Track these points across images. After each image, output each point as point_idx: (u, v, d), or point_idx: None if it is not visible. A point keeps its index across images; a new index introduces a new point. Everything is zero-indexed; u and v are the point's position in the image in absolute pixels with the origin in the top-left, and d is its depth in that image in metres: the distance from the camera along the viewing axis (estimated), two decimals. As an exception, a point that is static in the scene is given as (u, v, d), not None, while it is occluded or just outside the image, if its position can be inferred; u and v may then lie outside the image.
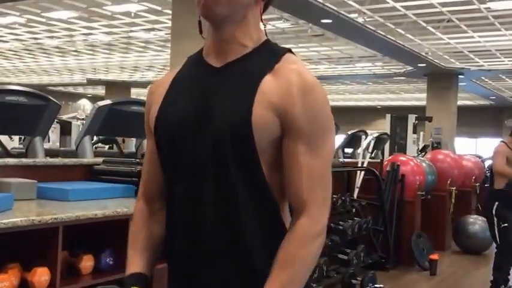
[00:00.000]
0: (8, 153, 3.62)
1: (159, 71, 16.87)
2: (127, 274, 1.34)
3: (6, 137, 5.76)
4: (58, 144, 8.30)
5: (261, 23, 1.30)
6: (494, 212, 5.41)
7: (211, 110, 1.21)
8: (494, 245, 6.11)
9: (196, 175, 1.22)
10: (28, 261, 2.39)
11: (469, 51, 12.24)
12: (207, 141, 1.20)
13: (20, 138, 6.86)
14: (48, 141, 7.77)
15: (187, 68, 1.33)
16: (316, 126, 1.19)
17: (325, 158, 1.21)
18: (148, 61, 15.63)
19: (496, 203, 5.39)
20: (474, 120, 22.40)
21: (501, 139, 5.71)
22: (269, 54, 1.25)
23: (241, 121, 1.17)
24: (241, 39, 1.25)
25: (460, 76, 14.64)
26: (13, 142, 6.55)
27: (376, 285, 5.06)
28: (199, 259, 1.24)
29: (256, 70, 1.22)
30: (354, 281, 5.35)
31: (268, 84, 1.19)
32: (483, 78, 15.96)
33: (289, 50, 1.28)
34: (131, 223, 1.43)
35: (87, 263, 2.66)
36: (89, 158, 3.80)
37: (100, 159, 3.58)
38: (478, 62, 13.39)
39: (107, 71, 18.19)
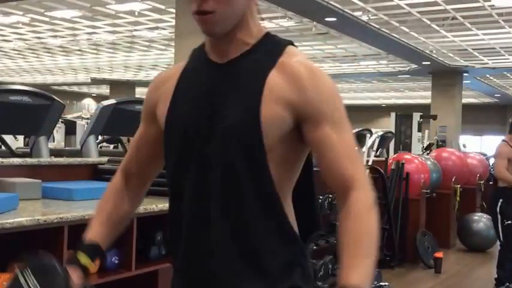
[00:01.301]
0: (12, 153, 3.63)
1: (163, 70, 16.88)
2: (83, 240, 1.34)
3: (11, 136, 5.77)
4: (63, 144, 8.32)
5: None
6: (498, 209, 5.40)
7: (220, 112, 1.21)
8: (498, 242, 6.10)
9: (204, 176, 1.22)
10: (33, 261, 2.40)
11: (473, 49, 12.20)
12: (216, 144, 1.21)
13: (24, 138, 6.87)
14: (53, 141, 7.78)
15: (193, 65, 1.32)
16: (334, 106, 1.21)
17: (351, 133, 1.24)
18: (152, 60, 15.64)
19: (500, 201, 5.38)
20: (479, 118, 22.34)
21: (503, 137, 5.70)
22: (271, 49, 1.25)
23: (249, 121, 1.17)
24: (242, 37, 1.25)
25: (464, 74, 14.60)
26: (18, 142, 6.56)
27: (381, 283, 5.06)
28: (205, 259, 1.24)
29: (260, 67, 1.22)
30: (358, 280, 5.34)
31: (275, 81, 1.20)
32: (487, 75, 15.91)
33: (291, 42, 1.29)
34: (103, 193, 1.45)
35: (92, 262, 2.66)
36: (93, 158, 3.81)
37: (105, 159, 3.59)
38: (482, 60, 13.35)
39: (111, 70, 18.21)
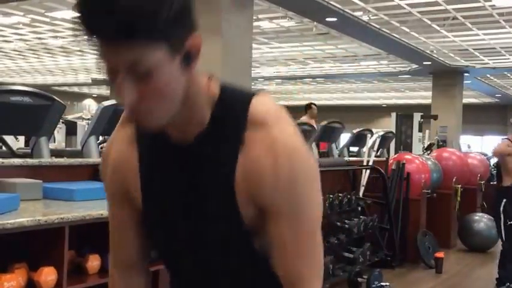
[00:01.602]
0: (13, 154, 3.63)
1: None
2: None
3: (12, 137, 5.77)
4: (64, 144, 8.32)
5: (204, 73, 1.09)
6: (501, 209, 5.40)
7: (199, 216, 1.13)
8: (499, 242, 6.10)
9: (201, 272, 1.20)
10: (35, 261, 2.40)
11: (474, 49, 12.19)
12: (203, 249, 1.16)
13: (25, 139, 6.87)
14: (54, 142, 7.78)
15: (147, 142, 1.15)
16: (296, 199, 1.06)
17: (312, 230, 1.10)
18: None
19: (504, 200, 5.38)
20: (480, 118, 22.32)
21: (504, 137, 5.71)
22: (234, 120, 1.07)
23: (234, 227, 1.10)
24: (193, 116, 1.07)
25: (465, 74, 14.59)
26: (19, 143, 6.57)
27: (382, 283, 5.06)
28: None
29: (228, 151, 1.06)
30: (360, 279, 5.35)
31: (242, 175, 1.06)
32: (488, 75, 15.90)
33: (252, 95, 1.08)
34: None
35: (93, 262, 2.67)
36: (94, 158, 3.81)
37: (105, 159, 3.59)
38: (483, 60, 13.34)
39: (111, 70, 18.18)
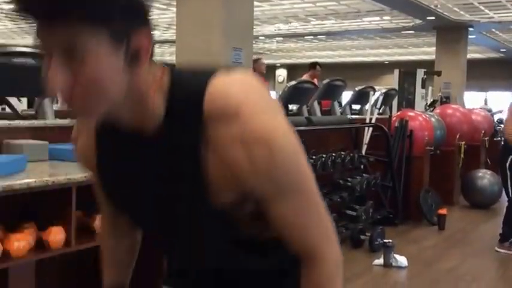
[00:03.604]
0: (18, 115, 3.64)
1: (164, 30, 16.70)
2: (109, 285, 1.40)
3: (15, 99, 5.76)
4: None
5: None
6: (507, 165, 5.41)
7: (170, 211, 1.11)
8: (501, 199, 6.15)
9: (166, 234, 1.20)
10: (43, 221, 2.44)
11: (479, 3, 12.00)
12: (171, 224, 1.14)
13: (28, 101, 6.86)
14: (57, 103, 7.78)
15: (108, 133, 1.09)
16: (282, 182, 1.02)
17: (306, 198, 1.07)
18: (153, 20, 15.45)
19: (510, 157, 5.39)
20: (484, 73, 22.13)
21: None
22: (189, 113, 0.99)
23: (207, 214, 1.08)
24: (145, 113, 1.01)
25: (469, 29, 14.40)
26: (22, 105, 6.56)
27: (385, 240, 5.12)
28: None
29: (190, 148, 1.01)
30: (362, 237, 5.42)
31: (212, 167, 1.01)
32: (493, 30, 15.70)
33: (208, 79, 0.99)
34: (100, 232, 1.46)
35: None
36: (98, 119, 3.81)
37: (109, 120, 3.59)
38: (488, 14, 13.14)
39: (112, 30, 18.03)
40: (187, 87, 1.01)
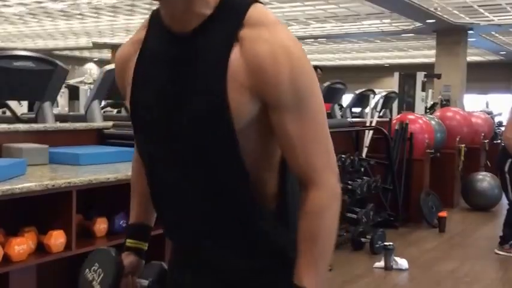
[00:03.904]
0: (18, 119, 3.64)
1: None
2: (128, 224, 1.44)
3: (16, 102, 5.78)
4: (67, 109, 8.32)
5: None
6: (506, 169, 5.41)
7: (184, 99, 1.15)
8: (501, 201, 6.14)
9: (174, 162, 1.20)
10: (44, 225, 2.44)
11: (478, 6, 12.02)
12: (182, 132, 1.16)
13: (28, 104, 6.88)
14: (57, 106, 7.78)
15: (152, 36, 1.22)
16: (298, 92, 1.10)
17: (316, 121, 1.13)
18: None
19: (509, 160, 5.39)
20: (484, 76, 22.15)
21: None
22: (231, 18, 1.12)
23: (217, 108, 1.11)
24: (196, 8, 1.12)
25: (469, 31, 14.42)
26: (22, 108, 6.58)
27: (385, 243, 5.12)
28: (188, 236, 1.28)
29: (221, 44, 1.11)
30: (363, 239, 5.41)
31: (237, 64, 1.10)
32: (493, 33, 15.72)
33: (253, 1, 1.15)
34: (133, 165, 1.48)
35: (101, 225, 2.71)
36: (98, 122, 3.82)
37: (110, 123, 3.60)
38: (488, 17, 13.16)
39: (112, 34, 18.05)
40: (237, 1, 1.15)
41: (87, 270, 1.34)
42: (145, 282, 1.36)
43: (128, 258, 1.36)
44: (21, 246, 2.28)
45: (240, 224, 1.20)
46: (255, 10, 1.13)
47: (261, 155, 1.19)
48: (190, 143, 1.16)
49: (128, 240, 1.40)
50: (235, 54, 1.10)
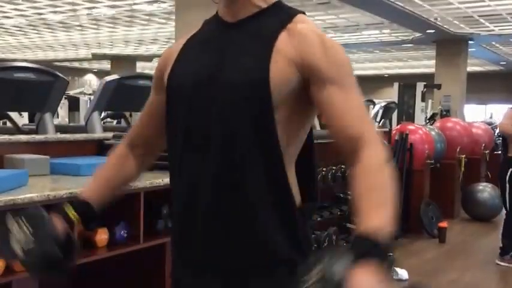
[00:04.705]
0: (19, 130, 3.65)
1: (163, 44, 16.77)
2: (76, 194, 1.44)
3: (16, 113, 5.79)
4: (67, 119, 8.34)
5: None
6: (507, 178, 5.41)
7: (226, 68, 1.22)
8: (502, 212, 6.13)
9: (206, 137, 1.21)
10: (44, 236, 2.43)
11: (479, 16, 12.06)
12: (220, 101, 1.20)
13: (29, 115, 6.89)
14: (57, 117, 7.80)
15: (202, 29, 1.35)
16: (341, 68, 1.22)
17: (359, 96, 1.23)
18: (152, 34, 15.54)
19: (510, 170, 5.39)
20: (484, 86, 22.21)
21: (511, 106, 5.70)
22: (282, 14, 1.27)
23: (258, 79, 1.17)
24: (249, 4, 1.27)
25: (469, 42, 14.45)
26: (23, 119, 6.59)
27: (386, 253, 5.10)
28: (199, 220, 1.25)
29: (270, 28, 1.24)
30: (364, 250, 5.39)
31: (284, 42, 1.21)
32: (493, 43, 15.77)
33: (302, 12, 1.30)
34: (106, 158, 1.49)
35: (102, 236, 2.70)
36: (98, 133, 3.82)
37: (110, 134, 3.60)
38: (488, 27, 13.20)
39: (111, 45, 18.11)
40: (287, 7, 1.32)
41: (11, 217, 1.29)
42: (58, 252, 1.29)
43: (58, 223, 1.32)
44: (22, 257, 2.28)
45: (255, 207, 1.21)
46: (302, 16, 1.29)
47: (289, 143, 1.23)
48: (226, 120, 1.19)
49: (70, 209, 1.37)
50: (283, 36, 1.22)
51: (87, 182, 1.44)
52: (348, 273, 0.98)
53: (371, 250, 1.02)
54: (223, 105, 1.20)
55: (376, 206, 1.10)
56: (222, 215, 1.22)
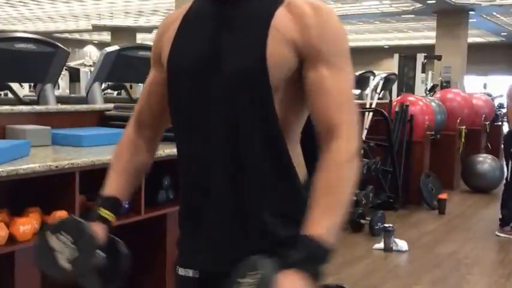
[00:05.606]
0: (20, 101, 3.65)
1: (163, 15, 16.63)
2: (101, 195, 1.40)
3: (17, 84, 5.78)
4: (68, 91, 8.32)
5: None
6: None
7: (224, 50, 1.21)
8: (503, 184, 6.16)
9: (207, 118, 1.23)
10: (47, 206, 2.46)
11: (480, -13, 11.93)
12: (219, 82, 1.21)
13: (30, 86, 6.88)
14: (58, 88, 7.77)
15: (196, 5, 1.32)
16: (335, 48, 1.20)
17: (348, 79, 1.22)
18: (153, 5, 15.40)
19: None
20: (484, 57, 22.06)
21: None
22: None
23: (255, 59, 1.17)
24: None
25: (470, 12, 14.32)
26: (24, 90, 6.58)
27: (385, 225, 5.15)
28: (206, 197, 1.27)
29: (266, 5, 1.22)
30: (363, 221, 5.45)
31: (281, 19, 1.19)
32: (494, 13, 15.63)
33: None
34: (117, 145, 1.48)
35: (104, 206, 2.72)
36: (99, 104, 3.82)
37: (111, 105, 3.60)
38: (489, -2, 13.07)
39: (111, 16, 17.97)
40: None
41: (49, 233, 1.28)
42: (103, 255, 1.30)
43: (97, 228, 1.33)
44: (26, 226, 2.30)
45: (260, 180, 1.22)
46: None
47: (289, 122, 1.24)
48: (226, 102, 1.20)
49: (103, 211, 1.36)
50: (280, 11, 1.20)
51: (108, 175, 1.43)
52: (278, 276, 1.05)
53: (309, 257, 1.09)
54: (223, 86, 1.20)
55: (328, 211, 1.14)
56: (226, 194, 1.24)
